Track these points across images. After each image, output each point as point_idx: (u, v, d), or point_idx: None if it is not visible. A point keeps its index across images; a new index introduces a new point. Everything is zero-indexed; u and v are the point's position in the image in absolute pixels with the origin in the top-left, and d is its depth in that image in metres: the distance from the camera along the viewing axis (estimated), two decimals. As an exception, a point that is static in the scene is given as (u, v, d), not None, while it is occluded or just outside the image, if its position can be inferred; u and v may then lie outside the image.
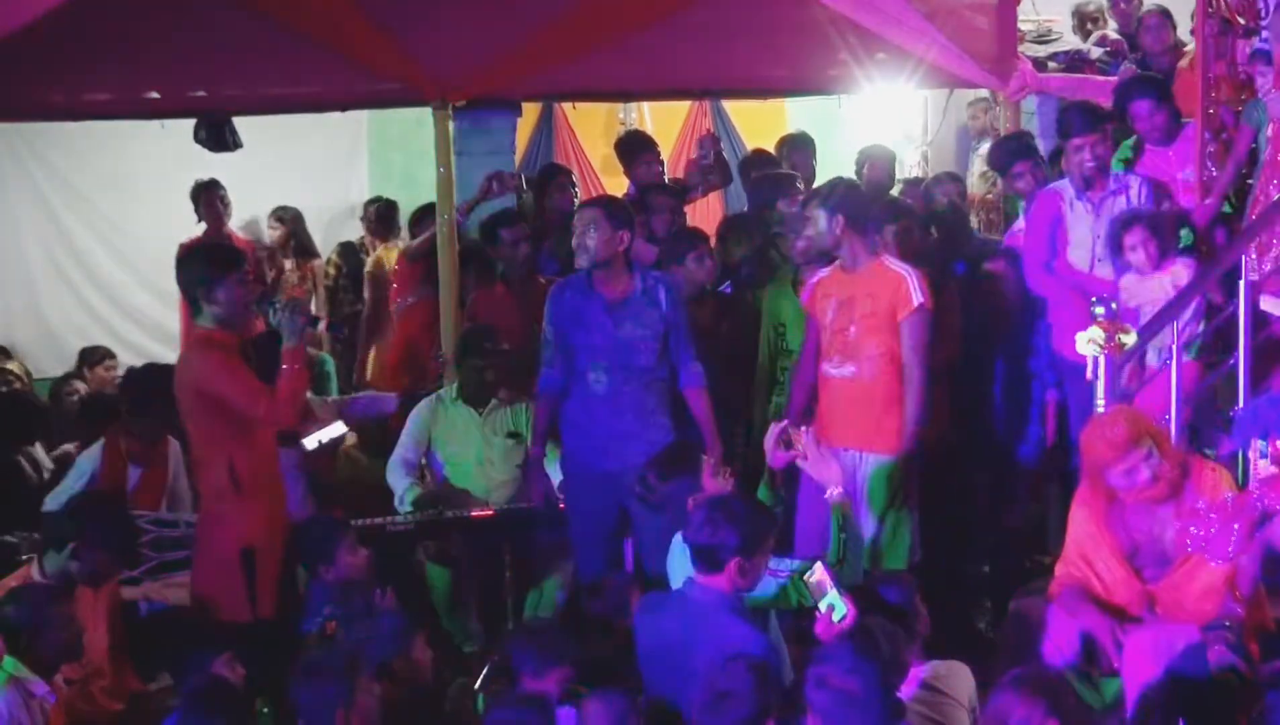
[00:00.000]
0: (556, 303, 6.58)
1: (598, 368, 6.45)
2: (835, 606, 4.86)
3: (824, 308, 6.52)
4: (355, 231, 11.04)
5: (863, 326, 6.38)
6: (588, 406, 6.49)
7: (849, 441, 6.36)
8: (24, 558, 6.38)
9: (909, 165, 11.31)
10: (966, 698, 4.93)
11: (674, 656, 4.92)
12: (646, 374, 6.48)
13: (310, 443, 7.51)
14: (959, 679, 4.98)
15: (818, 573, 4.93)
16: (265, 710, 5.50)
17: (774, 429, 5.70)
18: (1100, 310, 6.06)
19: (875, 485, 6.31)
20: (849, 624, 4.81)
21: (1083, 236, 6.90)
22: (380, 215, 10.41)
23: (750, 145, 10.72)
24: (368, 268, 10.14)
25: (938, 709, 4.85)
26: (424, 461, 7.47)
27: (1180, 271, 6.43)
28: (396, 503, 7.30)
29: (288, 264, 10.51)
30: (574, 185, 9.12)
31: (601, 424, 6.45)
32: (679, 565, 5.25)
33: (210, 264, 6.03)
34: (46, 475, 7.73)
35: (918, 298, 6.32)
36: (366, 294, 10.00)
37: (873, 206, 6.75)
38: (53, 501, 6.85)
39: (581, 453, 6.53)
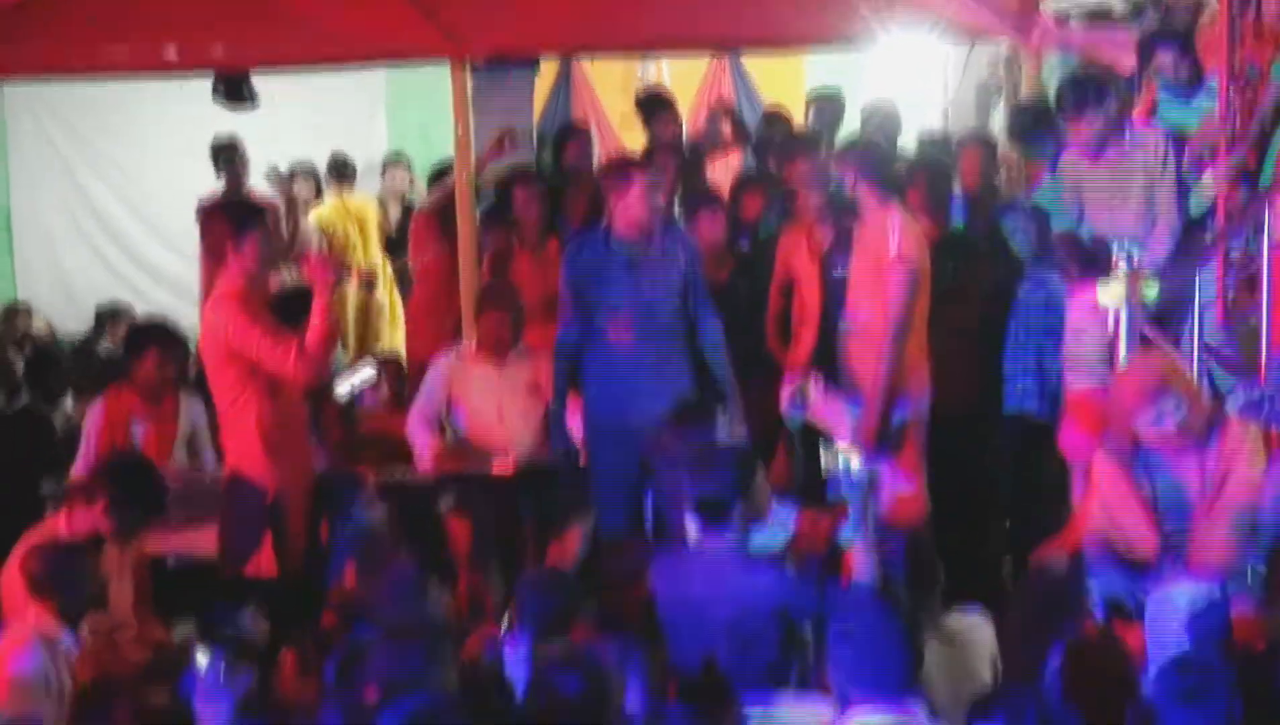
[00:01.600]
0: (573, 260, 6.60)
1: (620, 324, 6.46)
2: (850, 458, 4.89)
3: (835, 261, 6.59)
4: (373, 188, 11.04)
5: (858, 278, 6.44)
6: (610, 362, 6.51)
7: (851, 387, 6.39)
8: (49, 510, 6.43)
9: (929, 123, 11.26)
10: (987, 649, 4.95)
11: (693, 611, 4.94)
12: (668, 329, 6.50)
13: (342, 388, 7.54)
14: (979, 630, 4.99)
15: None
16: (290, 662, 5.56)
17: (788, 386, 5.72)
18: (1122, 262, 6.06)
19: (861, 432, 6.31)
20: (864, 471, 4.80)
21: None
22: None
23: (768, 103, 10.70)
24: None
25: (958, 660, 4.86)
26: (444, 416, 7.49)
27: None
28: (416, 457, 7.33)
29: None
30: (592, 144, 9.10)
31: (624, 380, 6.47)
32: None
33: (236, 219, 6.06)
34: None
35: (896, 250, 6.35)
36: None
37: (890, 163, 6.78)
38: (77, 465, 6.88)
39: (604, 408, 6.56)
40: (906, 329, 6.41)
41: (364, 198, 10.68)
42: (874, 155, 6.77)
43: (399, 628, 4.78)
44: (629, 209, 6.52)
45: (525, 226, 8.18)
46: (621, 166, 6.82)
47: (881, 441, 6.20)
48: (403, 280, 9.95)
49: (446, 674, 4.66)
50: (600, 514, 6.58)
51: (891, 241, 6.37)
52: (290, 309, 6.33)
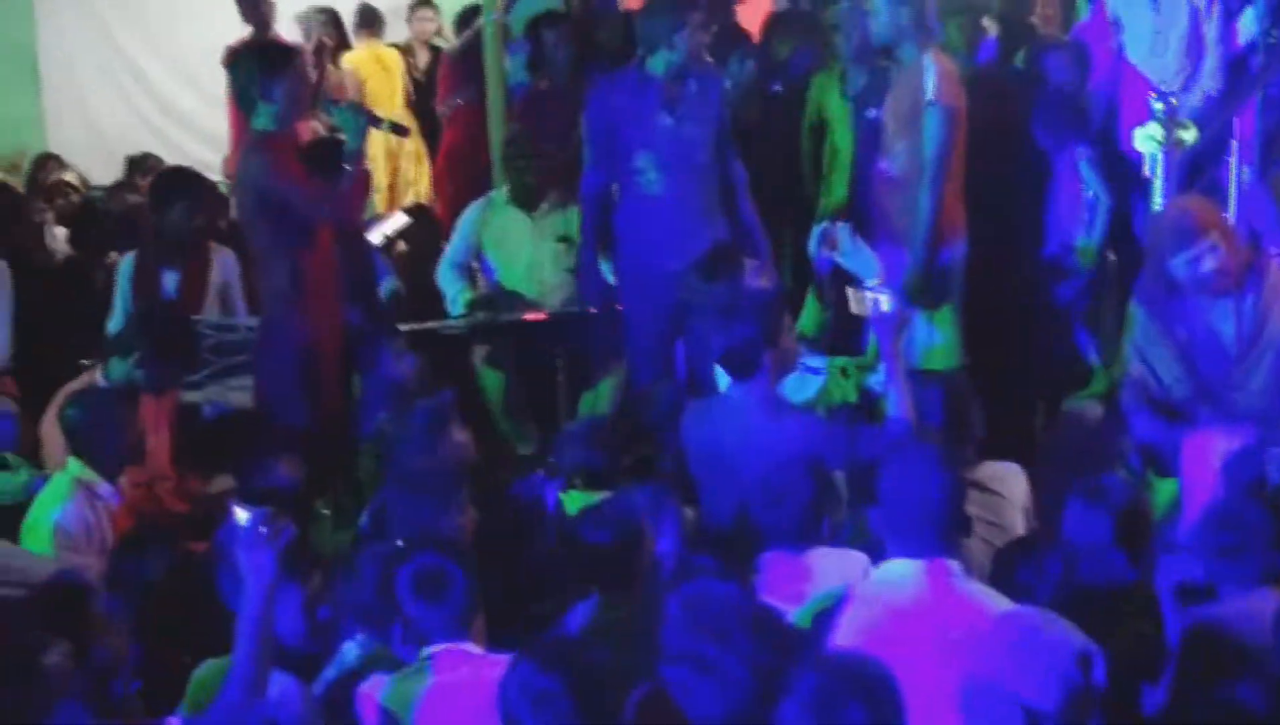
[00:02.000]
0: (602, 102, 6.48)
1: (656, 166, 6.37)
2: (880, 300, 4.87)
3: (868, 102, 6.48)
4: (401, 33, 10.92)
5: (896, 123, 6.34)
6: (646, 206, 6.41)
7: (885, 236, 6.34)
8: (85, 362, 6.47)
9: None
10: (1020, 499, 4.96)
11: (723, 462, 4.95)
12: (704, 171, 6.40)
13: (375, 237, 7.53)
14: (1013, 480, 4.99)
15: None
16: (325, 511, 5.63)
17: (816, 230, 5.66)
18: (1160, 105, 5.97)
19: (910, 281, 6.28)
20: (894, 311, 4.81)
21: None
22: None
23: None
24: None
25: (992, 510, 4.87)
26: (475, 264, 7.47)
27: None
28: (448, 305, 7.32)
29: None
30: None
31: (662, 224, 6.36)
32: None
33: (266, 63, 5.96)
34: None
35: (933, 93, 6.24)
36: None
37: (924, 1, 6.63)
38: (113, 322, 6.91)
39: (641, 254, 6.46)
40: (945, 174, 6.30)
41: (390, 46, 10.57)
42: None
43: (410, 476, 4.82)
44: (677, 52, 6.36)
45: (556, 69, 8.08)
46: (675, 8, 6.53)
47: (919, 289, 6.16)
48: (432, 126, 9.87)
49: (460, 521, 4.71)
50: (632, 364, 6.58)
51: (929, 83, 6.25)
52: (322, 157, 6.28)
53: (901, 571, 3.78)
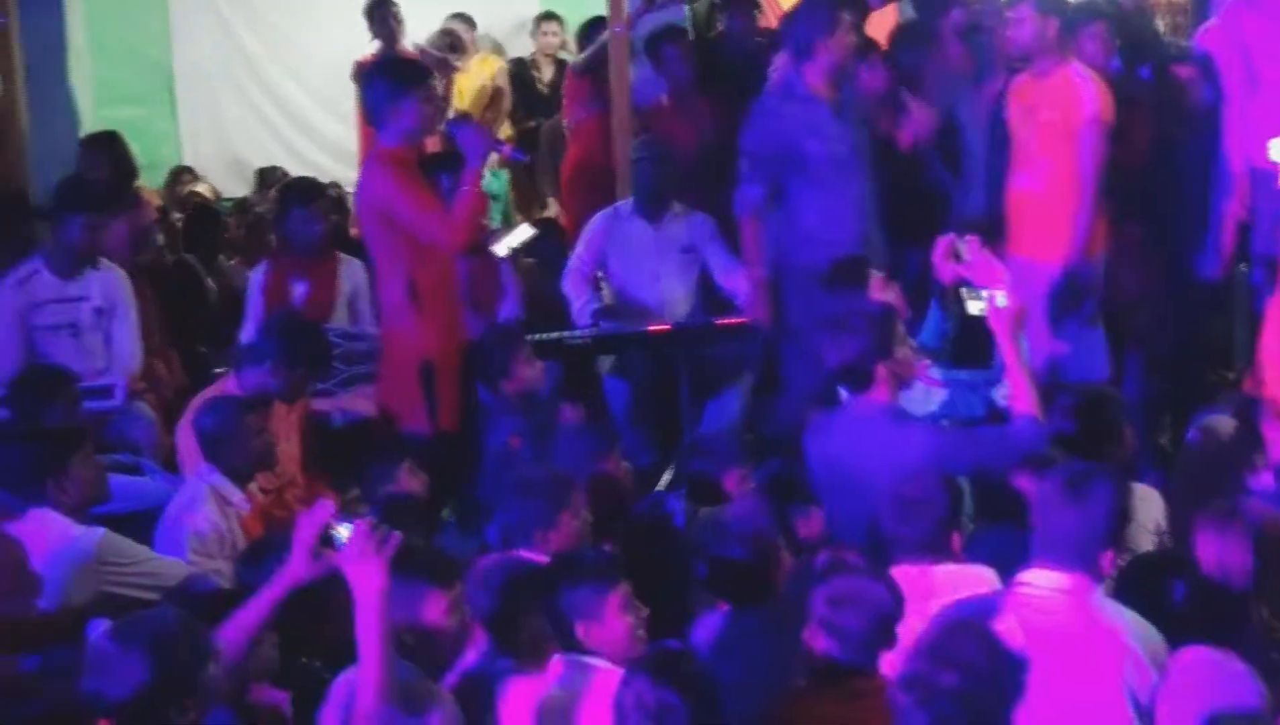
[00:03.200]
0: (776, 116, 6.40)
1: (846, 176, 6.33)
2: (996, 295, 4.83)
3: (1014, 115, 6.40)
4: (526, 48, 11.01)
5: (1042, 135, 6.25)
6: (834, 216, 6.33)
7: (1022, 250, 6.26)
8: (218, 371, 6.59)
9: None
10: (1152, 523, 4.87)
11: (845, 475, 4.92)
12: (862, 178, 6.40)
13: (501, 249, 7.60)
14: (1148, 504, 4.90)
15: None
16: (451, 519, 5.68)
17: (942, 240, 5.61)
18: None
19: (1051, 296, 6.22)
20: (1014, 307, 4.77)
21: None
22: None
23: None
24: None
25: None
26: (600, 275, 7.51)
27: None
28: (574, 315, 7.37)
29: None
30: (758, 9, 8.97)
31: (850, 231, 6.32)
32: None
33: (396, 78, 6.02)
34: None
35: (1092, 109, 6.15)
36: None
37: (1064, 9, 6.56)
38: (245, 330, 7.04)
39: (805, 261, 6.31)
40: (1098, 188, 6.21)
41: (499, 63, 10.72)
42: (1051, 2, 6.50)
43: (523, 483, 4.84)
44: (833, 54, 6.35)
45: (677, 84, 8.11)
46: (819, 6, 6.51)
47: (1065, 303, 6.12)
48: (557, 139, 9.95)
49: (576, 527, 4.72)
50: (791, 371, 6.50)
51: (1085, 97, 6.16)
52: (441, 175, 6.36)
53: (1049, 583, 3.77)
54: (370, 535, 3.62)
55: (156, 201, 9.52)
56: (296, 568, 3.90)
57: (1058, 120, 6.22)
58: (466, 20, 10.64)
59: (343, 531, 3.66)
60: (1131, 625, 3.82)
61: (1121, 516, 3.94)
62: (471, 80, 10.48)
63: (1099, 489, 3.87)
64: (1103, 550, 3.85)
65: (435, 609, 4.10)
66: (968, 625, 3.46)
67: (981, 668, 3.30)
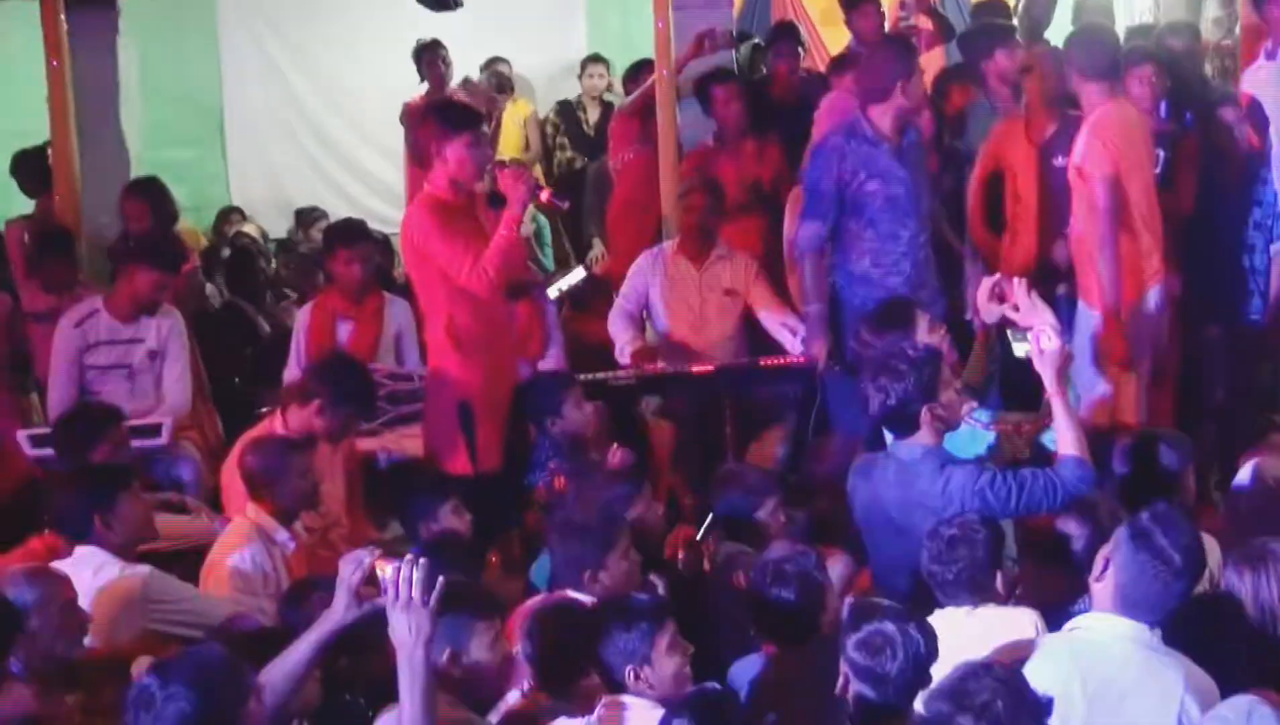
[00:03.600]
0: (839, 153, 6.39)
1: (902, 218, 6.36)
2: (1042, 336, 4.84)
3: (1055, 150, 6.43)
4: (573, 90, 11.07)
5: (1074, 177, 6.26)
6: (889, 258, 6.38)
7: (1077, 294, 6.25)
8: (264, 410, 6.63)
9: (1139, 12, 10.92)
10: (1208, 572, 4.82)
11: (888, 517, 4.91)
12: (923, 220, 6.44)
13: (552, 292, 7.62)
14: (1209, 551, 4.84)
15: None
16: (495, 560, 5.68)
17: (986, 281, 5.59)
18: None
19: (1089, 339, 6.18)
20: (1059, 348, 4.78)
21: None
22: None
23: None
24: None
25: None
26: (645, 314, 7.52)
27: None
28: (617, 353, 7.38)
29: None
30: (802, 48, 8.99)
31: (910, 275, 6.36)
32: None
33: (445, 122, 6.03)
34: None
35: (1081, 159, 6.15)
36: None
37: (1114, 52, 6.54)
38: (289, 370, 7.07)
39: (869, 300, 6.28)
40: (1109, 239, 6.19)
41: (529, 108, 10.81)
42: (1101, 44, 6.53)
43: (568, 524, 4.84)
44: (905, 99, 6.36)
45: (725, 125, 8.14)
46: (900, 49, 6.61)
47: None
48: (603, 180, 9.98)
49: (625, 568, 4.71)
50: (839, 411, 6.48)
51: (1079, 147, 6.16)
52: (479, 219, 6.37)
53: (1108, 628, 3.78)
54: (413, 582, 3.60)
55: (202, 242, 9.61)
56: (340, 611, 3.90)
57: (1067, 167, 6.28)
58: (506, 64, 10.73)
59: (388, 570, 3.66)
60: (1187, 672, 3.80)
61: (1194, 568, 3.91)
62: (509, 121, 10.55)
63: (1168, 537, 3.85)
64: (1173, 603, 3.85)
65: (479, 644, 4.10)
66: (988, 667, 3.43)
67: (999, 711, 3.28)
